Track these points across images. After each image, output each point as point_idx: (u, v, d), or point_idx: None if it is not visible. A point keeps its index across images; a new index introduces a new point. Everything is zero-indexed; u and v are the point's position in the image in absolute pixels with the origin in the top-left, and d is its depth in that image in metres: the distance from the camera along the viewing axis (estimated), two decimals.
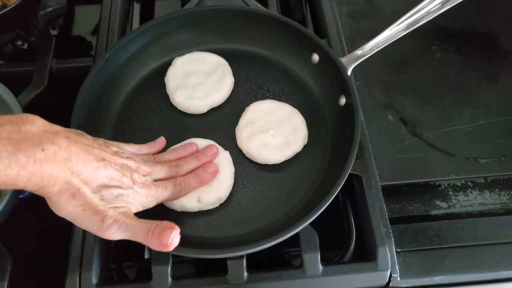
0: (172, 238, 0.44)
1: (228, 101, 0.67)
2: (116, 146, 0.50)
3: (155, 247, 0.44)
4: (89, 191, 0.43)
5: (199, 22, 0.70)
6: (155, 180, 0.51)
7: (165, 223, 0.45)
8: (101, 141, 0.49)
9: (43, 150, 0.39)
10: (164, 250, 0.44)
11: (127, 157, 0.49)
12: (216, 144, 0.60)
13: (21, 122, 0.40)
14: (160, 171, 0.52)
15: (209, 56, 0.69)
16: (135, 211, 0.48)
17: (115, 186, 0.45)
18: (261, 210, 0.58)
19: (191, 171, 0.55)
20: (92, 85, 0.61)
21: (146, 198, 0.49)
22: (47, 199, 0.43)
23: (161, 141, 0.59)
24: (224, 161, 0.59)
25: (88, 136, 0.47)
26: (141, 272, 0.59)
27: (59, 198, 0.42)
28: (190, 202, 0.56)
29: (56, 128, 0.43)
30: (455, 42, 0.77)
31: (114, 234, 0.45)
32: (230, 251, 0.50)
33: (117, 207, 0.45)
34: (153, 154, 0.56)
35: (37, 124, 0.41)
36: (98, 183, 0.44)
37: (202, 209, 0.57)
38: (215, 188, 0.57)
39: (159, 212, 0.57)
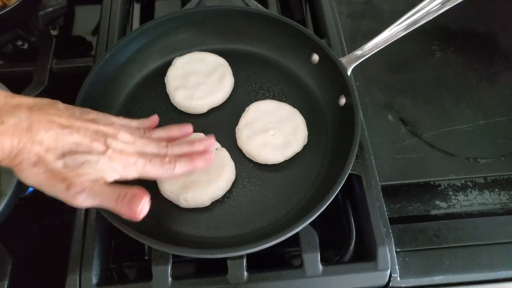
0: (141, 206, 0.43)
1: (228, 101, 0.67)
2: (97, 114, 0.48)
3: (125, 214, 0.44)
4: (51, 158, 0.42)
5: (199, 22, 0.70)
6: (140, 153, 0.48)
7: (135, 190, 0.44)
8: (78, 110, 0.47)
9: (2, 122, 0.40)
10: (134, 219, 0.43)
11: (105, 124, 0.47)
12: (217, 143, 0.60)
13: None
14: (146, 145, 0.49)
15: (209, 56, 0.69)
16: (111, 178, 0.45)
17: (82, 152, 0.44)
18: (261, 210, 0.58)
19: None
20: (92, 85, 0.61)
21: (123, 167, 0.46)
22: (12, 169, 0.43)
23: (154, 118, 0.55)
24: (224, 157, 0.59)
25: (60, 105, 0.46)
26: (141, 272, 0.59)
27: (22, 167, 0.42)
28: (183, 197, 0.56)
29: (19, 99, 0.42)
30: (455, 42, 0.77)
31: (84, 202, 0.44)
32: (230, 251, 0.50)
33: (83, 174, 0.43)
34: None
35: None
36: (62, 150, 0.43)
37: (195, 207, 0.57)
38: (212, 184, 0.57)
39: (159, 211, 0.57)
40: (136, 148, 0.48)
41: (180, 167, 0.50)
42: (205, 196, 0.57)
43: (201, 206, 0.57)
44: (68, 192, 0.43)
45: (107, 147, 0.45)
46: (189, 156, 0.51)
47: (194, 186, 0.57)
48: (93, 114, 0.48)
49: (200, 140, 0.53)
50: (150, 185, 0.52)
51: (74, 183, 0.43)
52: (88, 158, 0.44)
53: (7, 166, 0.42)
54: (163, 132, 0.53)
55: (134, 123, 0.53)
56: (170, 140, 0.53)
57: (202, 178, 0.57)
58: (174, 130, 0.54)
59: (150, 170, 0.48)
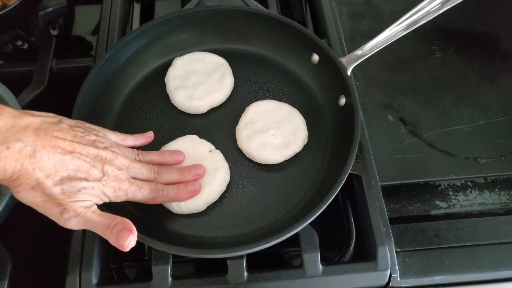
0: (128, 242, 0.44)
1: (228, 101, 0.67)
2: (96, 134, 0.49)
3: (113, 244, 0.45)
4: (50, 184, 0.43)
5: (199, 22, 0.70)
6: (133, 178, 0.50)
7: (125, 222, 0.45)
8: (81, 128, 0.48)
9: (8, 148, 0.40)
10: (121, 249, 0.44)
11: (104, 148, 0.48)
12: (212, 146, 0.60)
13: None
14: (138, 171, 0.51)
15: (209, 56, 0.69)
16: (100, 202, 0.47)
17: (80, 179, 0.45)
18: (261, 210, 0.58)
19: (171, 183, 0.54)
20: (92, 85, 0.61)
21: (114, 192, 0.48)
22: (10, 188, 0.44)
23: (149, 135, 0.57)
24: (218, 160, 0.59)
25: (65, 125, 0.46)
26: (141, 272, 0.59)
27: (20, 189, 0.43)
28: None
29: (26, 120, 0.42)
30: (455, 42, 0.77)
31: (74, 226, 0.45)
32: (230, 251, 0.50)
33: (78, 201, 0.44)
34: (138, 147, 0.55)
35: (5, 117, 0.41)
36: (61, 175, 0.43)
37: (190, 212, 0.57)
38: (206, 188, 0.57)
39: (159, 211, 0.57)
40: (130, 174, 0.50)
41: (167, 197, 0.53)
42: (200, 201, 0.56)
43: (196, 212, 0.57)
44: (61, 216, 0.44)
45: (103, 174, 0.47)
46: (176, 186, 0.54)
47: None
48: (93, 135, 0.49)
49: (190, 169, 0.56)
50: None
51: (68, 209, 0.44)
52: (85, 184, 0.45)
53: (4, 184, 0.43)
54: (155, 156, 0.55)
55: (129, 140, 0.55)
56: (161, 164, 0.55)
57: None
58: (167, 157, 0.56)
59: (139, 196, 0.51)
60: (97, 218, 0.45)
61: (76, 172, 0.44)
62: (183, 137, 0.61)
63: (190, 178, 0.55)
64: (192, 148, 0.60)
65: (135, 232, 0.45)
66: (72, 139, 0.45)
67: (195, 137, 0.61)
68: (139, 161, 0.52)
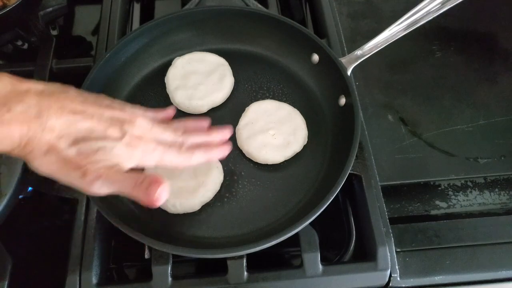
0: (159, 194, 0.42)
1: (228, 101, 0.67)
2: (112, 101, 0.47)
3: (143, 201, 0.42)
4: (64, 146, 0.40)
5: (199, 22, 0.70)
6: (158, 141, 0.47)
7: (152, 176, 0.43)
8: (92, 96, 0.45)
9: (9, 110, 0.38)
10: (152, 206, 0.42)
11: (121, 110, 0.45)
12: None
13: None
14: (163, 133, 0.47)
15: (209, 56, 0.69)
16: (128, 166, 0.44)
17: (96, 138, 0.42)
18: (261, 210, 0.58)
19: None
20: (92, 85, 0.61)
21: (142, 154, 0.44)
22: (24, 158, 0.41)
23: (170, 111, 0.53)
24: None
25: (72, 91, 0.44)
26: (141, 272, 0.59)
27: (33, 156, 0.40)
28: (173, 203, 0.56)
29: (27, 85, 0.40)
30: (455, 42, 0.77)
31: (100, 189, 0.42)
32: (230, 251, 0.50)
33: (98, 160, 0.41)
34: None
35: (3, 82, 0.39)
36: (75, 136, 0.41)
37: (185, 212, 0.57)
38: (200, 188, 0.57)
39: (159, 211, 0.57)
40: (154, 135, 0.46)
41: (197, 157, 0.49)
42: (194, 201, 0.56)
43: (191, 211, 0.57)
44: (83, 180, 0.41)
45: (124, 133, 0.43)
46: (205, 146, 0.50)
47: (182, 191, 0.56)
48: (107, 101, 0.46)
49: (218, 131, 0.53)
50: None
51: (89, 170, 0.41)
52: (103, 144, 0.42)
53: (18, 156, 0.41)
54: (180, 124, 0.51)
55: (149, 113, 0.50)
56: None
57: (189, 183, 0.57)
58: (191, 123, 0.52)
59: (168, 159, 0.47)
60: (123, 177, 0.42)
61: (90, 132, 0.42)
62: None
63: (218, 138, 0.52)
64: None
65: (165, 183, 0.42)
66: (83, 101, 0.43)
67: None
68: (164, 125, 0.49)
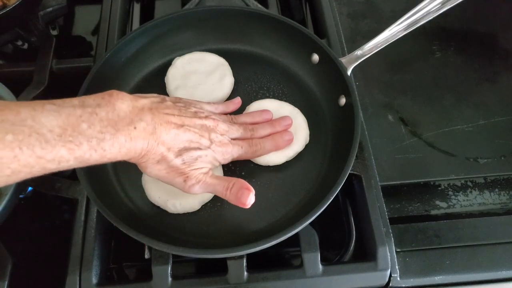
0: (249, 200, 0.49)
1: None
2: (194, 106, 0.54)
3: (234, 202, 0.50)
4: (171, 156, 0.48)
5: (199, 22, 0.70)
6: (232, 139, 0.55)
7: (241, 182, 0.50)
8: (181, 103, 0.53)
9: (135, 128, 0.44)
10: (243, 206, 0.50)
11: (205, 117, 0.53)
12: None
13: (113, 100, 0.44)
14: (236, 131, 0.55)
15: (209, 56, 0.69)
16: (213, 168, 0.53)
17: (194, 148, 0.50)
18: (261, 210, 0.58)
19: (265, 137, 0.58)
20: (92, 85, 0.61)
21: (222, 156, 0.53)
22: (137, 164, 0.49)
23: (237, 101, 0.62)
24: None
25: (169, 103, 0.51)
26: (141, 272, 0.59)
27: (146, 164, 0.48)
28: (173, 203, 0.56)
29: (141, 102, 0.47)
30: (455, 42, 0.77)
31: (198, 191, 0.51)
32: (230, 251, 0.50)
33: (197, 168, 0.50)
34: (227, 113, 0.60)
35: (126, 100, 0.45)
36: (179, 147, 0.49)
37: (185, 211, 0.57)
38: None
39: (158, 211, 0.57)
40: (230, 136, 0.55)
41: (265, 148, 0.57)
42: (194, 201, 0.56)
43: (191, 211, 0.57)
44: (185, 184, 0.50)
45: (211, 142, 0.52)
46: (271, 137, 0.58)
47: (182, 191, 0.56)
48: (193, 107, 0.53)
49: (279, 122, 0.60)
50: None
51: (191, 176, 0.50)
52: (200, 153, 0.51)
53: (133, 162, 0.48)
54: (247, 118, 0.60)
55: (220, 107, 0.59)
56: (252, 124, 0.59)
57: None
58: (257, 117, 0.60)
59: (242, 155, 0.56)
60: (216, 181, 0.51)
61: (190, 143, 0.50)
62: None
63: (281, 128, 0.59)
64: None
65: (253, 190, 0.50)
66: (179, 114, 0.50)
67: None
68: (235, 123, 0.57)
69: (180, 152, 0.49)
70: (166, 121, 0.48)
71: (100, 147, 0.42)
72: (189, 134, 0.50)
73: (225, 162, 0.55)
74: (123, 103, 0.45)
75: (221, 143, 0.53)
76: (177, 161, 0.49)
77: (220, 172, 0.59)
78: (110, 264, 0.58)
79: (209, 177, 0.51)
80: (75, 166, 0.42)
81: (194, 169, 0.50)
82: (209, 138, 0.52)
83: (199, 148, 0.50)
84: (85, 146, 0.41)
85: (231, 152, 0.54)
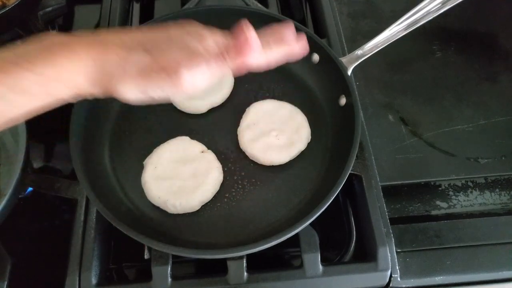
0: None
1: (228, 101, 0.67)
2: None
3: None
4: None
5: (199, 22, 0.70)
6: None
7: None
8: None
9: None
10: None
11: None
12: (204, 146, 0.61)
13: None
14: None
15: None
16: None
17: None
18: (261, 210, 0.58)
19: None
20: None
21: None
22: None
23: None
24: (210, 160, 0.59)
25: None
26: (141, 272, 0.59)
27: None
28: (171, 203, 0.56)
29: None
30: (455, 42, 0.77)
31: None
32: (230, 251, 0.50)
33: None
34: None
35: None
36: None
37: (184, 212, 0.57)
38: (199, 189, 0.57)
39: (158, 212, 0.57)
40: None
41: (276, 53, 0.45)
42: (193, 201, 0.56)
43: (191, 211, 0.57)
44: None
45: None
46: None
47: (181, 191, 0.57)
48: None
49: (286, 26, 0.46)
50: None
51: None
52: None
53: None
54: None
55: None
56: None
57: (188, 183, 0.57)
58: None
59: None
60: None
61: None
62: (174, 139, 0.61)
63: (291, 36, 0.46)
64: (184, 149, 0.60)
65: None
66: None
67: (187, 138, 0.62)
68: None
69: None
70: None
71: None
72: None
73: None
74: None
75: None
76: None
77: (220, 175, 0.59)
78: (109, 264, 0.58)
79: None
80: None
81: None
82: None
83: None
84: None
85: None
